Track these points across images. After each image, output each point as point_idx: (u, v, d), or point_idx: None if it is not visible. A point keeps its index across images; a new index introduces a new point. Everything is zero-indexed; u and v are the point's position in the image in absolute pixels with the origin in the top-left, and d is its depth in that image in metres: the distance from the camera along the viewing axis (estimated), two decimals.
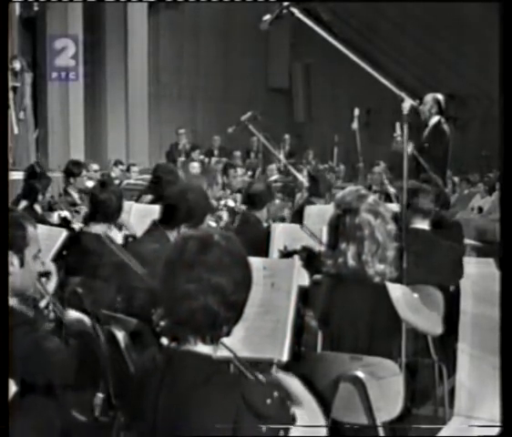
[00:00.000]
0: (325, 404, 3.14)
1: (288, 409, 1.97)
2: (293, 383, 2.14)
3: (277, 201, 5.95)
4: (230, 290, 2.00)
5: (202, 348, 2.03)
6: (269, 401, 1.92)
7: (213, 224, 5.91)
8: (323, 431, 2.09)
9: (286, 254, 3.69)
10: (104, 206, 4.57)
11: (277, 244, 5.07)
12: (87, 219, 4.70)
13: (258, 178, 10.16)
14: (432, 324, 3.35)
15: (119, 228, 5.15)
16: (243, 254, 2.08)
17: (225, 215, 6.50)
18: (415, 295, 3.36)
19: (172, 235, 3.97)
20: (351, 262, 3.20)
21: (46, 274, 3.08)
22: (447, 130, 7.77)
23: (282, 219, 6.28)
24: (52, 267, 3.14)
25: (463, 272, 2.74)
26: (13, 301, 2.60)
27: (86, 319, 2.89)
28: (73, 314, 2.88)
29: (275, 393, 1.95)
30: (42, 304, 2.93)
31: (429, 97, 7.76)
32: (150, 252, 3.80)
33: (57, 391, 2.68)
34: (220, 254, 2.02)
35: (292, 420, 1.96)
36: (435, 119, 7.71)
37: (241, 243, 2.11)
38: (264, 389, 1.97)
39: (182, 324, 2.02)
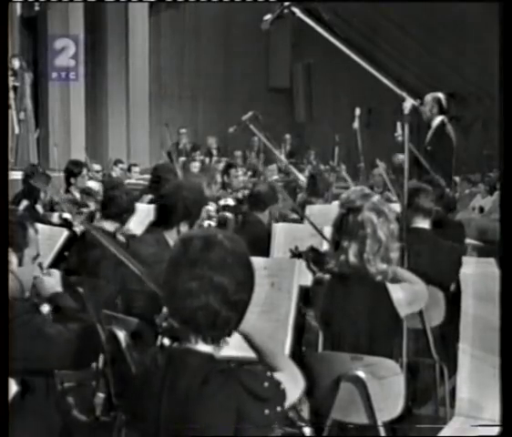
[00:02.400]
0: (326, 404, 3.15)
1: (279, 385, 2.04)
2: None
3: (280, 205, 5.92)
4: (232, 290, 2.01)
5: (203, 347, 2.03)
6: (266, 383, 2.00)
7: (213, 224, 5.90)
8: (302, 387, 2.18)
9: (297, 254, 3.69)
10: (114, 203, 4.64)
11: (278, 243, 5.07)
12: (98, 215, 4.74)
13: (262, 179, 10.15)
14: (422, 300, 3.39)
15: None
16: (246, 254, 2.09)
17: (225, 214, 6.49)
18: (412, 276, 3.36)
19: (170, 235, 3.91)
20: (352, 260, 3.21)
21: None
22: (452, 132, 7.67)
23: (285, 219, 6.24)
24: (57, 275, 3.15)
25: (459, 270, 2.74)
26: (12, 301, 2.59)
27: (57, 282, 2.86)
28: (46, 281, 2.84)
29: (268, 374, 2.03)
30: (44, 310, 2.93)
31: (429, 97, 7.67)
32: (148, 256, 3.77)
33: (58, 380, 2.68)
34: (223, 253, 2.02)
35: (284, 394, 2.04)
36: (437, 120, 7.61)
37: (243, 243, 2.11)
38: (260, 374, 2.04)
39: (184, 323, 2.03)
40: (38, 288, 2.79)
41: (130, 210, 4.83)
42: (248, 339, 2.19)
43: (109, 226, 4.63)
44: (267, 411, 1.97)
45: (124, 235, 4.92)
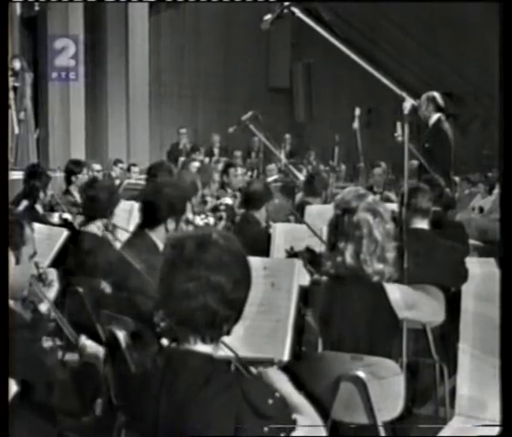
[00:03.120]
0: (326, 404, 3.15)
1: (289, 411, 1.99)
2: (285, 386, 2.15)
3: (276, 201, 5.92)
4: (230, 289, 2.00)
5: (202, 347, 2.03)
6: (270, 401, 1.95)
7: (211, 221, 5.89)
8: (323, 432, 2.11)
9: (293, 254, 3.69)
10: (93, 203, 4.60)
11: (277, 244, 5.07)
12: (85, 219, 4.71)
13: (257, 178, 10.15)
14: (431, 314, 3.37)
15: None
16: (242, 252, 2.09)
17: (223, 214, 6.48)
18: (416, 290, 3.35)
19: (157, 235, 3.88)
20: (349, 261, 3.20)
21: (48, 281, 3.06)
22: (448, 129, 7.69)
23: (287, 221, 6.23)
24: (54, 274, 3.13)
25: (467, 274, 2.73)
26: (10, 302, 2.59)
27: (100, 351, 2.82)
28: (89, 346, 2.81)
29: (276, 394, 1.98)
30: (43, 309, 2.92)
31: (423, 97, 7.71)
32: (139, 263, 3.73)
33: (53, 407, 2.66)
34: (218, 252, 2.02)
35: (294, 423, 1.98)
36: (434, 118, 7.64)
37: (240, 243, 2.11)
38: (266, 389, 1.99)
39: (182, 324, 2.02)
40: (81, 353, 2.78)
41: (112, 205, 4.76)
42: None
43: (95, 227, 4.58)
44: (266, 429, 1.91)
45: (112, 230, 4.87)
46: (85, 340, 2.82)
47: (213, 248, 2.02)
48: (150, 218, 3.95)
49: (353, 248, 3.20)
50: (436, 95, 7.73)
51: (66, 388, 2.57)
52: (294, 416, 1.99)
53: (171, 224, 3.87)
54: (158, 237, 3.86)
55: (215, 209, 6.52)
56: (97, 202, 4.65)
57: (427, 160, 7.13)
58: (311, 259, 3.52)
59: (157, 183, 4.56)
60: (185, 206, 4.02)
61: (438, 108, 7.65)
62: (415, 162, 7.27)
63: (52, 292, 3.13)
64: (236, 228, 5.73)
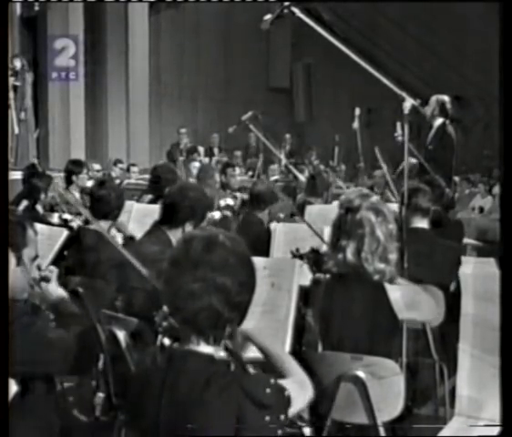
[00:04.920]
0: (326, 404, 3.15)
1: (284, 392, 2.01)
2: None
3: (279, 202, 5.94)
4: (235, 291, 2.01)
5: (205, 348, 2.03)
6: (268, 390, 1.97)
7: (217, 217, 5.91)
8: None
9: (299, 256, 3.69)
10: (103, 202, 4.59)
11: (277, 244, 5.07)
12: (89, 218, 4.70)
13: (261, 179, 10.15)
14: (430, 313, 3.37)
15: (118, 229, 5.14)
16: (248, 255, 2.09)
17: (226, 214, 6.49)
18: (415, 287, 3.35)
19: (174, 235, 3.92)
20: (349, 258, 3.20)
21: (46, 279, 3.06)
22: (453, 133, 7.67)
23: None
24: (53, 271, 3.12)
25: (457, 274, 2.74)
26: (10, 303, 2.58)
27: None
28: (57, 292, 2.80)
29: (272, 381, 2.00)
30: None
31: (433, 99, 7.69)
32: (150, 254, 3.77)
33: (58, 380, 2.67)
34: (225, 254, 2.02)
35: (288, 402, 2.01)
36: (438, 121, 7.62)
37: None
38: (263, 379, 2.01)
39: (186, 324, 2.02)
40: (42, 295, 2.78)
41: (120, 206, 4.77)
42: (256, 342, 2.19)
43: (100, 227, 4.57)
44: (268, 418, 1.95)
45: (120, 230, 4.89)
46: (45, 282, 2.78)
47: (220, 249, 2.02)
48: (170, 217, 4.00)
49: (355, 246, 3.20)
50: (446, 99, 7.69)
51: (68, 353, 2.56)
52: (288, 394, 2.01)
53: (189, 227, 3.90)
54: (175, 236, 3.89)
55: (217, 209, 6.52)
56: (106, 203, 4.63)
57: (429, 162, 7.12)
58: (316, 259, 3.52)
59: (182, 185, 4.59)
60: (205, 213, 4.07)
61: (444, 113, 7.62)
62: (413, 160, 7.26)
63: (51, 287, 3.12)
64: (239, 227, 5.74)
